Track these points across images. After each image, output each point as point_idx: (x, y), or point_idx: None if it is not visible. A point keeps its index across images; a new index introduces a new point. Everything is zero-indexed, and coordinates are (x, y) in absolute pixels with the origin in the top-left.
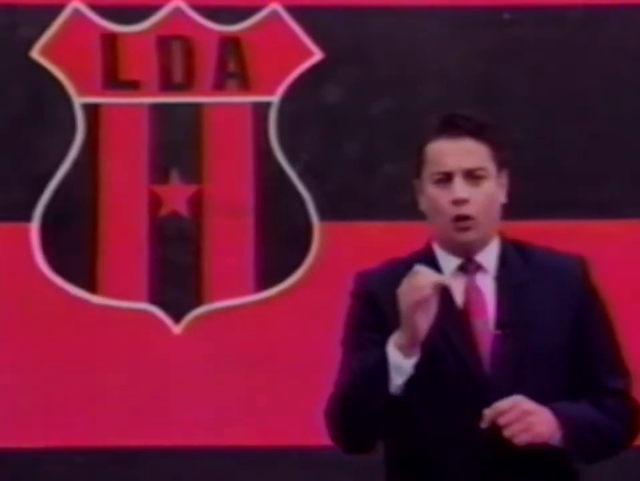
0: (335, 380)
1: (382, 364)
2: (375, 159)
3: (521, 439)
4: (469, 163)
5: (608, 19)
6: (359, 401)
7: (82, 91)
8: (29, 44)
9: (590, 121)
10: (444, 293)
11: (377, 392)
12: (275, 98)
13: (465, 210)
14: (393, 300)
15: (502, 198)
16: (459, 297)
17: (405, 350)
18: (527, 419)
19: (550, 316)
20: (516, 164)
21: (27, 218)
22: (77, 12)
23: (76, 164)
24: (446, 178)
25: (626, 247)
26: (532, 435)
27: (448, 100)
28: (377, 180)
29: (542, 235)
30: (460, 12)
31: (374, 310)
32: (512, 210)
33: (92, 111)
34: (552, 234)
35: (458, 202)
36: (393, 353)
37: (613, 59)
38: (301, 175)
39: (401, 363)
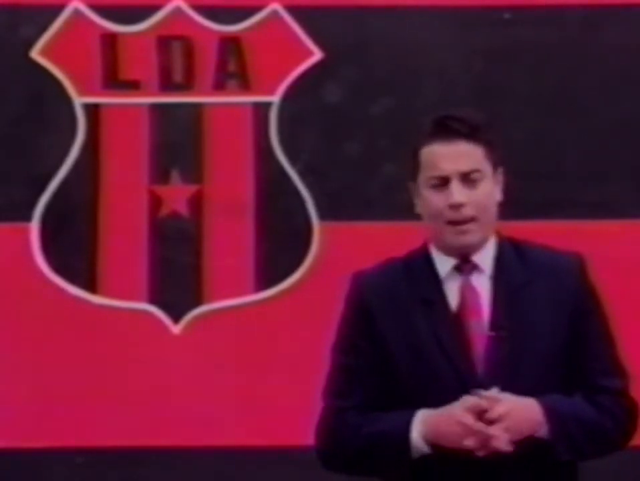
0: (323, 389)
1: (404, 447)
2: (375, 159)
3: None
4: (464, 166)
5: (608, 19)
6: (370, 465)
7: (82, 91)
8: (29, 44)
9: (590, 121)
10: (438, 294)
11: (392, 464)
12: (275, 98)
13: (463, 213)
14: (386, 306)
15: (498, 196)
16: (454, 299)
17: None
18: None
19: (546, 318)
20: (516, 164)
21: (27, 218)
22: (77, 12)
23: (76, 164)
24: (442, 183)
25: (626, 247)
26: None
27: (448, 100)
28: (377, 180)
29: (542, 235)
30: (460, 12)
31: (366, 317)
32: (511, 210)
33: (92, 111)
34: (552, 234)
35: (455, 207)
36: (419, 443)
37: (613, 59)
38: (301, 175)
39: (423, 450)
